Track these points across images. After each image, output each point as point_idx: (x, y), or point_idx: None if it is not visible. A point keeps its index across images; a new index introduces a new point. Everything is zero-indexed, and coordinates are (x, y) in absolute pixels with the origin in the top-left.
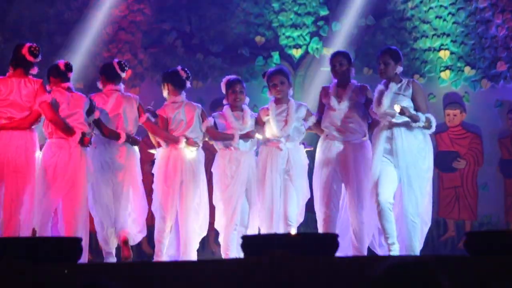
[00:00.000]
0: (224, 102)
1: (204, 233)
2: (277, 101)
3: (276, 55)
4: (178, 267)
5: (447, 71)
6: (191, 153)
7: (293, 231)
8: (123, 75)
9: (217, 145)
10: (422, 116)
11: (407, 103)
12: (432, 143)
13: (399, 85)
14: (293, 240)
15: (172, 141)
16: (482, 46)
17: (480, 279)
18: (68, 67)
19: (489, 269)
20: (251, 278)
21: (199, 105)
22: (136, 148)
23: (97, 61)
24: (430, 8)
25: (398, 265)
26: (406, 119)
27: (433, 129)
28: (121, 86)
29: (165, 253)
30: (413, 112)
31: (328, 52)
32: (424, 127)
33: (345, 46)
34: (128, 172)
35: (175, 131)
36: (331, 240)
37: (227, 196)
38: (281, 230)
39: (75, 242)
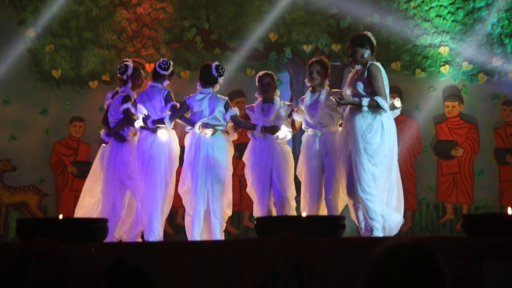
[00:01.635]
0: (256, 95)
1: (229, 213)
2: (312, 90)
3: (288, 50)
4: (193, 247)
5: (447, 66)
6: (207, 135)
7: (304, 213)
8: (165, 72)
9: (249, 134)
10: (364, 100)
11: (361, 86)
12: (432, 133)
13: (360, 68)
14: (303, 221)
15: (190, 125)
16: (479, 43)
17: (475, 256)
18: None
19: (483, 248)
20: (264, 257)
21: (225, 97)
22: (162, 134)
23: (122, 55)
24: (431, 7)
25: (395, 247)
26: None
27: (386, 109)
28: (163, 83)
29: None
30: (351, 99)
31: (336, 47)
32: (373, 106)
33: None
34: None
35: (195, 119)
36: (339, 221)
37: (256, 184)
38: (324, 212)
39: (102, 223)
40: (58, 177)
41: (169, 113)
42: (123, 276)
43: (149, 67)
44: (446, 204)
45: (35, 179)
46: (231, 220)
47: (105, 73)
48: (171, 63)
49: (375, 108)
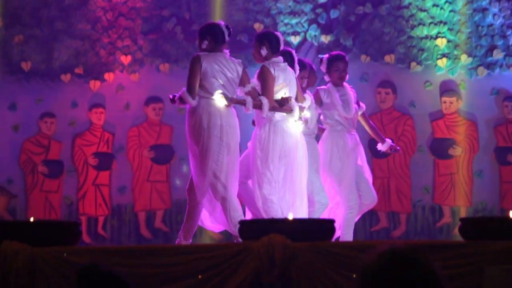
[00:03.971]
0: None
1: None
2: None
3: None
4: (172, 252)
5: (444, 59)
6: None
7: (290, 216)
8: None
9: None
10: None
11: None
12: (429, 131)
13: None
14: (290, 224)
15: None
16: (479, 34)
17: (475, 263)
18: None
19: (484, 253)
20: (248, 262)
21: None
22: None
23: (97, 47)
24: None
25: (389, 252)
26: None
27: (265, 111)
28: None
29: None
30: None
31: (326, 39)
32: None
33: (343, 33)
34: None
35: None
36: (328, 225)
37: None
38: None
39: (74, 226)
40: (28, 177)
41: None
42: (97, 281)
43: (125, 59)
44: (443, 207)
45: (2, 179)
46: None
47: (78, 66)
48: None
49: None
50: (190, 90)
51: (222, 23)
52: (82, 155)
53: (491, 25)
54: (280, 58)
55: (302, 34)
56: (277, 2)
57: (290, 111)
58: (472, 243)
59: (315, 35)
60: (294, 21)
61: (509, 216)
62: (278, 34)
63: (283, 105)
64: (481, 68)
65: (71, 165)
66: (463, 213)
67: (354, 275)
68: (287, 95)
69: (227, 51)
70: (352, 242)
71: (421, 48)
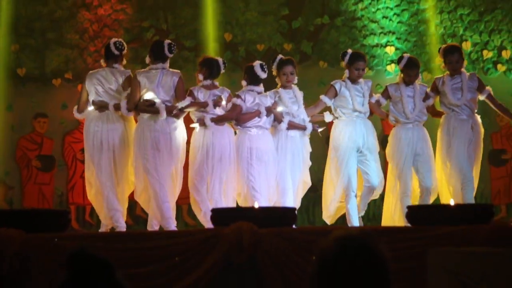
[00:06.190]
0: None
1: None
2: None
3: (242, 50)
4: (154, 236)
5: (393, 65)
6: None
7: (256, 205)
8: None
9: None
10: None
11: None
12: (379, 128)
13: None
14: (257, 212)
15: None
16: (423, 43)
17: (419, 246)
18: None
19: (428, 237)
20: (219, 246)
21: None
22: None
23: (84, 54)
24: (378, 9)
25: (343, 236)
26: None
27: (122, 112)
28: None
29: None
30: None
31: (288, 47)
32: None
33: (303, 42)
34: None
35: None
36: (290, 213)
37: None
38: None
39: (64, 214)
40: (23, 171)
41: None
42: (84, 264)
43: None
44: None
45: (0, 173)
46: (188, 212)
47: (67, 72)
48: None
49: None
50: (78, 107)
51: (113, 40)
52: (71, 151)
53: (434, 34)
54: (158, 65)
55: (267, 42)
56: (244, 14)
57: (155, 111)
58: (417, 228)
59: (278, 43)
60: (259, 30)
61: (449, 204)
62: (165, 42)
63: (144, 105)
64: (425, 73)
65: (61, 160)
66: None
67: (313, 257)
68: (148, 97)
69: (116, 65)
70: (313, 227)
71: (372, 55)
